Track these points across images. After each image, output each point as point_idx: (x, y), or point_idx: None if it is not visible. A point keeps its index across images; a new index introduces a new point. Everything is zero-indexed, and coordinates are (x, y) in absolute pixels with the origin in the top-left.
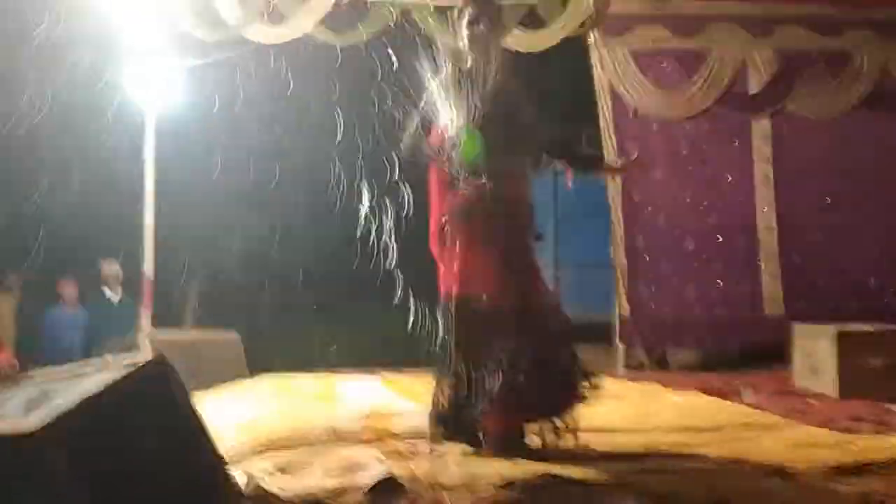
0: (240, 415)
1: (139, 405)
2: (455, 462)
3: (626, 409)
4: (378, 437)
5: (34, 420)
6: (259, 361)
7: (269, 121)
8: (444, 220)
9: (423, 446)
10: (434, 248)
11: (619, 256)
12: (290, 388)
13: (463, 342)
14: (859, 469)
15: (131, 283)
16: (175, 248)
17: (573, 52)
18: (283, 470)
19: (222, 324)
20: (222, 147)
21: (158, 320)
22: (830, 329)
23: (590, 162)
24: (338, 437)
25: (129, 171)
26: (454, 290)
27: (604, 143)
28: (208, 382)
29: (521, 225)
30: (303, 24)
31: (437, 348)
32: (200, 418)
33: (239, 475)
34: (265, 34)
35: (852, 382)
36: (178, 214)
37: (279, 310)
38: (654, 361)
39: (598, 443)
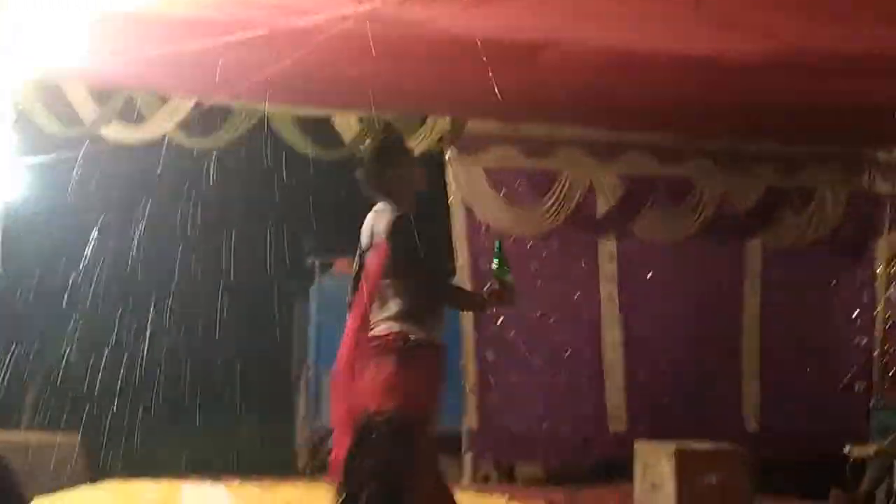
0: None
1: None
2: None
3: None
4: None
5: None
6: (102, 465)
7: (124, 219)
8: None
9: None
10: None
11: (470, 368)
12: (130, 495)
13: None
14: None
15: None
16: (15, 343)
17: (431, 167)
18: None
19: (63, 425)
20: (70, 243)
21: None
22: (669, 446)
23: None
24: None
25: None
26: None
27: (455, 256)
28: (46, 486)
29: None
30: (161, 124)
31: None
32: None
33: None
34: (122, 134)
35: (689, 499)
36: (22, 309)
37: (127, 411)
38: (502, 474)
39: None
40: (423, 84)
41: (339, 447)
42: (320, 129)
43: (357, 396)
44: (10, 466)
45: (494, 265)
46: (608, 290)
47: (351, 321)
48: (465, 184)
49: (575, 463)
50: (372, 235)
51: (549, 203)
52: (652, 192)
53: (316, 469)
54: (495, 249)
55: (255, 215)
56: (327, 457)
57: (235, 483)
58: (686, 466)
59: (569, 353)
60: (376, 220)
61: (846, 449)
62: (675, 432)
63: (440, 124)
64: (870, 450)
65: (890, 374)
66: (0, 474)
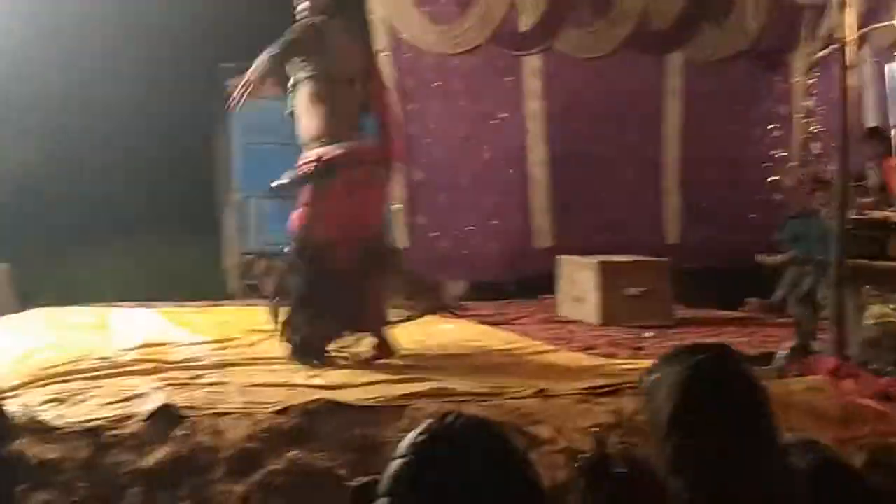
0: (11, 348)
1: None
2: (237, 390)
3: (401, 337)
4: (154, 366)
5: None
6: (29, 293)
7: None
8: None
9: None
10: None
11: (399, 188)
12: (62, 321)
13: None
14: (614, 390)
15: None
16: None
17: None
18: (59, 401)
19: None
20: None
21: None
22: (592, 261)
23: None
24: (113, 366)
25: None
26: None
27: (383, 76)
28: None
29: None
30: None
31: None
32: None
33: (13, 408)
34: None
35: (612, 311)
36: None
37: (51, 239)
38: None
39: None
40: None
41: None
42: None
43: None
44: None
45: None
46: (533, 107)
47: None
48: (387, 1)
49: (502, 279)
50: None
51: (473, 20)
52: (574, 7)
53: (247, 292)
54: None
55: (165, 37)
56: (256, 280)
57: (168, 307)
58: (608, 278)
59: (495, 171)
60: None
61: (759, 258)
62: (599, 247)
63: None
64: (782, 258)
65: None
66: None
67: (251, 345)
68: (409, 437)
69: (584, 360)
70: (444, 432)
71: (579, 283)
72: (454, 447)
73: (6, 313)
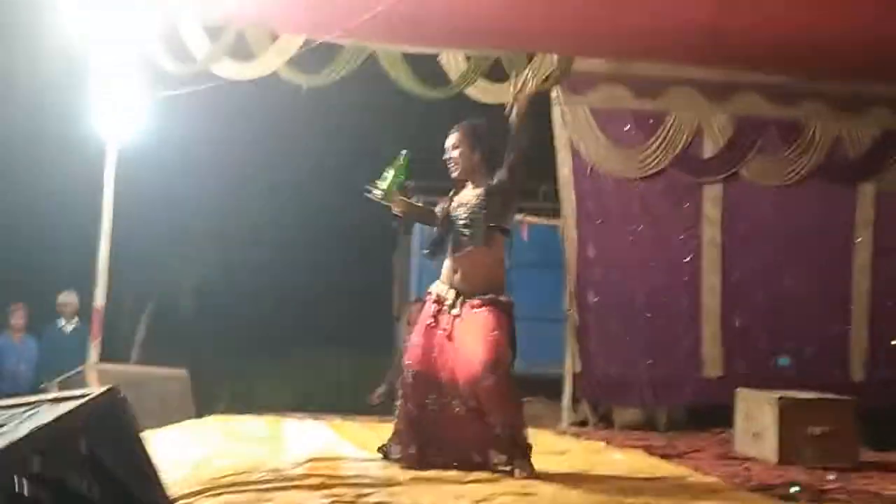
0: (186, 454)
1: (91, 436)
2: None
3: (570, 463)
4: (322, 482)
5: None
6: (206, 400)
7: (235, 156)
8: None
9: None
10: None
11: (572, 311)
12: (236, 430)
13: None
14: None
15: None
16: (129, 281)
17: (537, 107)
18: None
19: (170, 359)
20: (183, 181)
21: (109, 353)
22: (772, 396)
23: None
24: (283, 479)
25: (89, 201)
26: None
27: (561, 199)
28: (154, 420)
29: None
30: (271, 62)
31: None
32: (150, 454)
33: None
34: (233, 70)
35: (792, 449)
36: (135, 247)
37: (230, 349)
38: (599, 418)
39: (541, 492)
40: (529, 20)
41: None
42: (428, 68)
43: None
44: (123, 395)
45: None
46: (711, 234)
47: None
48: (570, 124)
49: (671, 408)
50: None
51: (656, 144)
52: (762, 135)
53: None
54: (402, 159)
55: (361, 152)
56: None
57: (337, 421)
58: (789, 416)
59: (667, 296)
60: None
61: None
62: (772, 379)
63: (547, 62)
64: None
65: None
66: (112, 402)
67: None
68: None
69: (761, 501)
70: None
71: (758, 418)
72: None
73: (184, 419)
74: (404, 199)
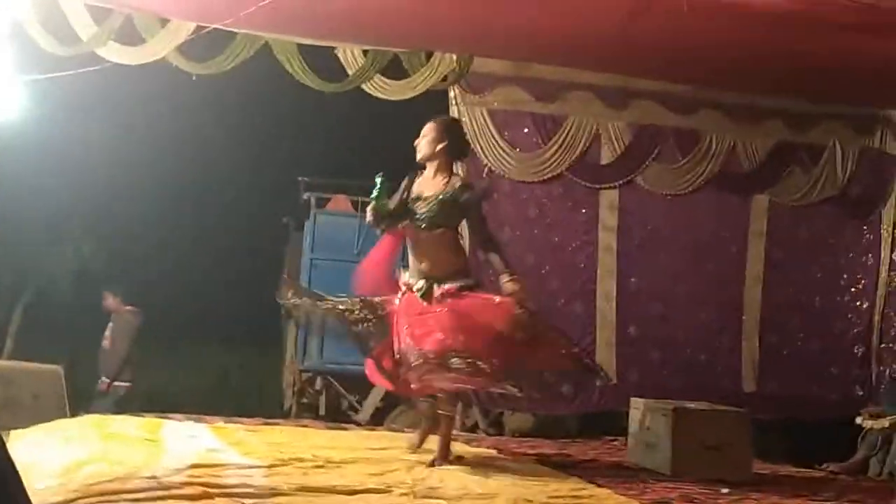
0: (56, 458)
1: None
2: None
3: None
4: (202, 491)
5: None
6: (84, 397)
7: (121, 143)
8: None
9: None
10: None
11: None
12: (113, 430)
13: None
14: None
15: None
16: (2, 269)
17: (435, 105)
18: None
19: (47, 352)
20: (63, 168)
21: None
22: (666, 406)
23: None
24: (160, 487)
25: None
26: None
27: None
28: (25, 418)
29: None
30: (160, 47)
31: None
32: (12, 463)
33: None
34: (120, 54)
35: (685, 461)
36: (10, 234)
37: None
38: (490, 423)
39: None
40: (429, 19)
41: None
42: (323, 61)
43: None
44: None
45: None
46: (606, 241)
47: None
48: (468, 124)
49: (563, 414)
50: None
51: (554, 149)
52: (659, 142)
53: (302, 411)
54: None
55: (250, 147)
56: (313, 398)
57: (220, 423)
58: (684, 426)
59: (562, 302)
60: None
61: (860, 419)
62: (665, 388)
63: (445, 61)
64: (884, 422)
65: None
66: None
67: (304, 473)
68: None
69: None
70: None
71: (652, 428)
72: None
73: (57, 417)
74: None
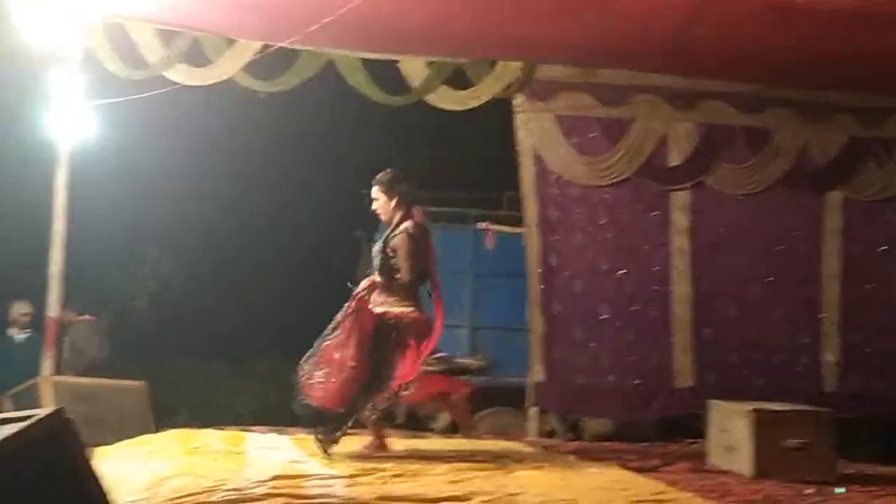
0: (143, 472)
1: (34, 462)
2: None
3: (538, 481)
4: (287, 501)
5: None
6: (164, 412)
7: (193, 163)
8: None
9: None
10: None
11: (536, 320)
12: (196, 444)
13: None
14: None
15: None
16: (83, 290)
17: (500, 114)
18: None
19: (127, 370)
20: (137, 188)
21: (64, 364)
22: (746, 408)
23: None
24: (245, 499)
25: (41, 210)
26: None
27: (525, 207)
28: (111, 434)
29: None
30: (226, 67)
31: None
32: (98, 479)
33: None
34: (187, 75)
35: (767, 463)
36: (89, 256)
37: (189, 359)
38: (567, 428)
39: None
40: (492, 28)
41: None
42: (388, 75)
43: None
44: (68, 417)
45: None
46: (679, 243)
47: None
48: (534, 131)
49: (641, 418)
50: None
51: (621, 152)
52: (728, 142)
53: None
54: None
55: (319, 162)
56: (391, 407)
57: (301, 435)
58: (765, 428)
59: (638, 307)
60: None
61: None
62: (743, 390)
63: (510, 69)
64: None
65: None
66: (59, 424)
67: (384, 483)
68: None
69: None
70: None
71: (731, 430)
72: None
73: (143, 433)
74: None
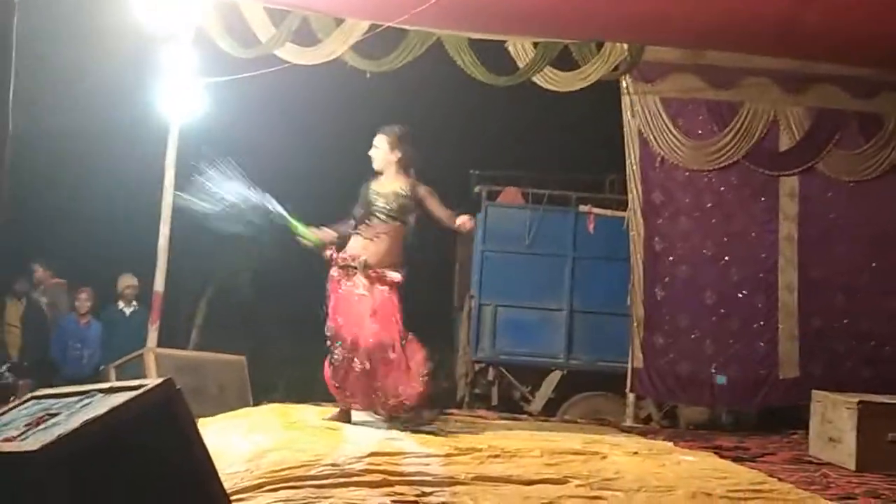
0: (243, 445)
1: (144, 431)
2: None
3: (641, 465)
4: (382, 479)
5: (35, 441)
6: (263, 387)
7: (296, 140)
8: None
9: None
10: None
11: (637, 306)
12: (295, 419)
13: None
14: None
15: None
16: (189, 265)
17: (605, 96)
18: None
19: (228, 343)
20: (245, 164)
21: (167, 337)
22: (851, 399)
23: None
24: (343, 475)
25: (152, 186)
26: None
27: (629, 190)
28: (211, 406)
29: None
30: (335, 47)
31: None
32: (205, 448)
33: None
34: (297, 54)
35: (871, 456)
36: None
37: (288, 334)
38: (664, 415)
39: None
40: (600, 9)
41: None
42: (494, 55)
43: None
44: (178, 387)
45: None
46: (787, 230)
47: None
48: (640, 114)
49: (741, 408)
50: None
51: (730, 136)
52: (840, 128)
53: (475, 401)
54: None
55: (420, 142)
56: (486, 388)
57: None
58: (869, 421)
59: (744, 293)
60: None
61: None
62: (849, 381)
63: (617, 51)
64: None
65: None
66: (167, 394)
67: (480, 462)
68: None
69: None
70: None
71: (835, 422)
72: None
73: (242, 406)
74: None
